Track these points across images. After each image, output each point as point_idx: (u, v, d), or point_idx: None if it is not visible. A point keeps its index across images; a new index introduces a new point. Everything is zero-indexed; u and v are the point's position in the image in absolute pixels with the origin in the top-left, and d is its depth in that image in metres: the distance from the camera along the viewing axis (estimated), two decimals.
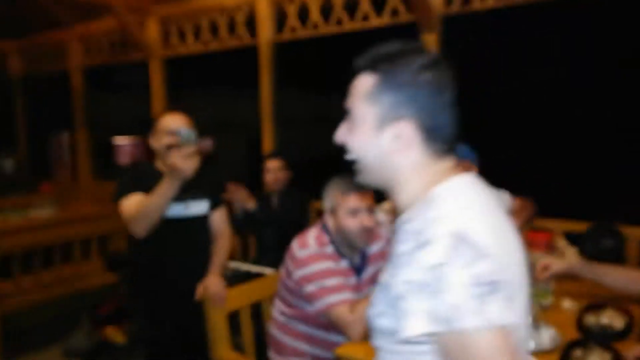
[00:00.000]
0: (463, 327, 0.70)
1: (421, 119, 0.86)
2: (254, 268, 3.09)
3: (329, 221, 1.93)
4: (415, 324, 0.72)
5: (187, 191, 2.03)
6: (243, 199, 3.07)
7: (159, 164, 2.17)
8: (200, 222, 2.23)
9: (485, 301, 0.71)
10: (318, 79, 4.43)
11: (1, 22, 5.13)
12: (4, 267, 3.27)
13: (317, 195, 3.60)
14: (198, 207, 2.20)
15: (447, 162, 0.90)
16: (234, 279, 2.79)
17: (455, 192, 0.84)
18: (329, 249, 1.90)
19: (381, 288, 0.88)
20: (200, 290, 2.11)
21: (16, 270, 3.30)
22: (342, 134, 0.95)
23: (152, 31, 4.20)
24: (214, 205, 2.28)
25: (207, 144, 2.13)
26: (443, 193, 0.84)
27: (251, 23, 3.74)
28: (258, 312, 2.34)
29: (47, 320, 3.51)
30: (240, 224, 3.11)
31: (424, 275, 0.73)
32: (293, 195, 3.39)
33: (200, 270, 2.18)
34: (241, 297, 2.24)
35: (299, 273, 1.84)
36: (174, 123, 2.10)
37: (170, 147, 2.03)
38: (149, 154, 2.23)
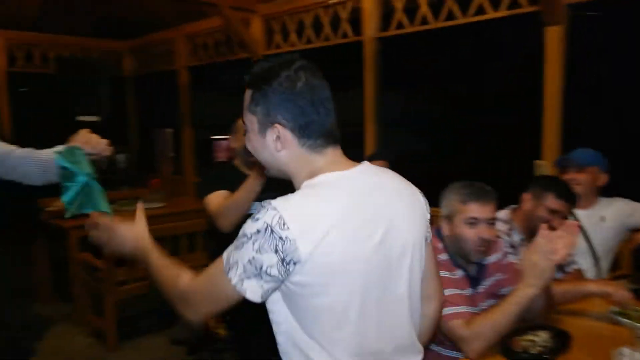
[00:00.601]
0: (227, 276, 1.01)
1: (291, 121, 1.05)
2: None
3: (445, 228, 1.83)
4: (222, 258, 1.05)
5: (264, 191, 2.06)
6: None
7: (238, 163, 2.29)
8: None
9: (247, 276, 0.99)
10: (421, 76, 4.25)
11: (116, 24, 5.48)
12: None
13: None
14: None
15: (329, 154, 1.09)
16: None
17: (312, 190, 1.04)
18: (443, 257, 1.80)
19: None
20: None
21: (130, 259, 3.48)
22: (246, 140, 1.16)
23: (256, 29, 4.26)
24: None
25: None
26: (305, 187, 1.05)
27: (355, 19, 3.66)
28: None
29: (156, 308, 3.69)
30: None
31: (239, 235, 1.02)
32: None
33: None
34: None
35: None
36: None
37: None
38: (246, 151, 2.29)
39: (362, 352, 1.06)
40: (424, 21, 3.32)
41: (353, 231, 1.01)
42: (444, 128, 4.25)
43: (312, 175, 1.06)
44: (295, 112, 1.04)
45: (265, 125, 1.07)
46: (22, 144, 1.81)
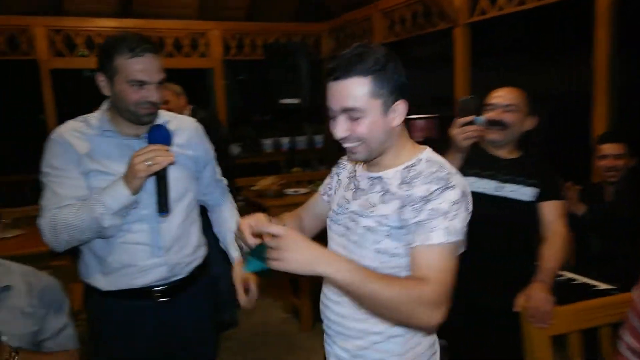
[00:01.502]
0: (456, 241, 1.14)
1: (406, 95, 1.22)
2: (580, 278, 2.50)
3: None
4: (438, 236, 1.11)
5: (505, 172, 2.01)
6: (571, 201, 2.58)
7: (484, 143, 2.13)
8: (516, 207, 2.01)
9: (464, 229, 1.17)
10: None
11: (315, 6, 5.59)
12: None
13: None
14: (516, 191, 2.01)
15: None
16: (553, 288, 2.31)
17: (441, 160, 1.25)
18: None
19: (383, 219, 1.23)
20: (521, 300, 1.84)
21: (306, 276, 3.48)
22: (344, 129, 1.22)
23: None
24: (543, 196, 2.01)
25: (531, 122, 2.05)
26: (434, 157, 1.25)
27: None
28: (593, 340, 1.86)
29: None
30: None
31: (448, 206, 1.13)
32: (635, 191, 2.62)
33: (511, 254, 2.02)
34: (571, 319, 1.82)
35: None
36: (497, 98, 2.05)
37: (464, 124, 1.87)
38: (442, 131, 2.10)
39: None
40: None
41: None
42: None
43: (412, 149, 1.28)
44: (405, 86, 1.20)
45: (389, 104, 1.18)
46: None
